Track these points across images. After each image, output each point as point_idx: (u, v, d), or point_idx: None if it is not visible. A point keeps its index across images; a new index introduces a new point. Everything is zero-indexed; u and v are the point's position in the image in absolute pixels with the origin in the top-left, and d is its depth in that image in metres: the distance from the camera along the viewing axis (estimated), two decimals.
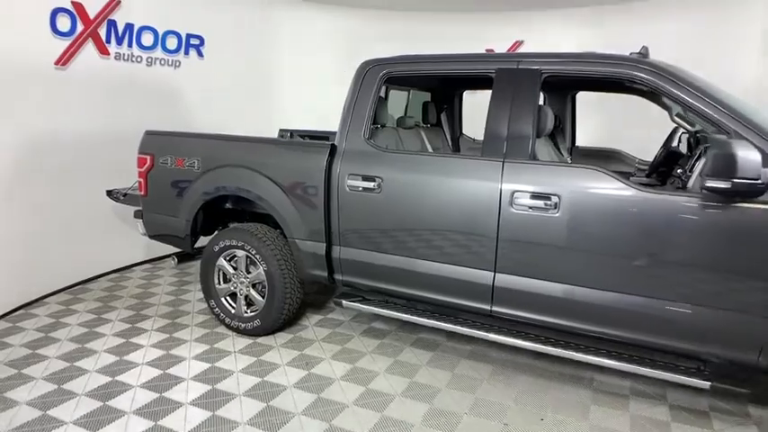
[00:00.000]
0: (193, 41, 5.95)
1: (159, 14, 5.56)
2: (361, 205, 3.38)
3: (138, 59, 5.44)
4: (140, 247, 5.50)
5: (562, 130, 4.54)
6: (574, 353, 3.00)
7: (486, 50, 7.35)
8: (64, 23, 4.74)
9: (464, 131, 5.22)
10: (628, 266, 2.75)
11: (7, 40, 4.22)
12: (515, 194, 2.94)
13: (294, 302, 3.86)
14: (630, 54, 3.07)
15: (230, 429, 2.79)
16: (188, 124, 5.59)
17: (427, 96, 4.77)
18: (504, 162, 3.00)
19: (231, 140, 3.93)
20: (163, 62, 5.67)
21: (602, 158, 4.46)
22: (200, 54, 6.02)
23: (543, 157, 3.41)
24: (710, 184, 2.37)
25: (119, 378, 3.29)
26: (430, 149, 4.39)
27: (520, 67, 3.08)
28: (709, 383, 2.68)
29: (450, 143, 4.85)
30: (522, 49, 7.40)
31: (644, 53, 3.06)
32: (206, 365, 3.46)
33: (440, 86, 4.75)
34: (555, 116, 3.75)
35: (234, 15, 6.31)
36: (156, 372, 3.37)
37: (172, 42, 5.74)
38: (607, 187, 2.77)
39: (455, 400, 3.13)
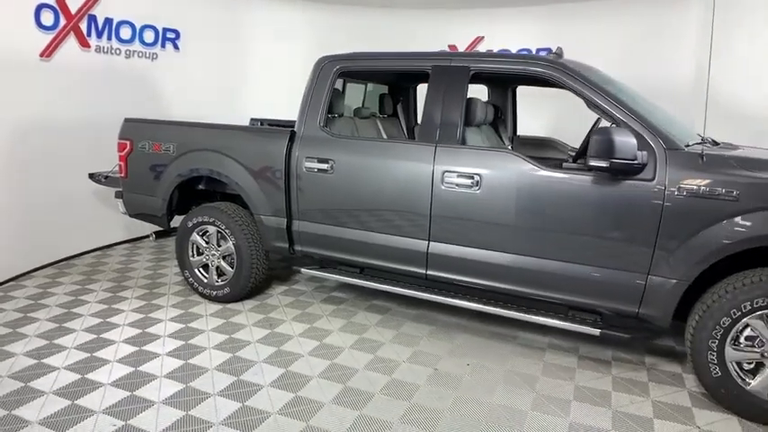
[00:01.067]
0: (169, 35, 6.34)
1: (137, 9, 5.94)
2: (317, 184, 3.86)
3: (117, 52, 5.83)
4: (121, 226, 5.92)
5: (504, 121, 5.05)
6: (493, 308, 3.52)
7: (449, 47, 7.88)
8: (47, 18, 5.11)
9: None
10: (536, 234, 3.28)
11: None
12: (445, 174, 3.44)
13: (260, 272, 4.34)
14: (548, 54, 3.57)
15: (200, 374, 3.27)
16: (165, 113, 6.01)
17: (385, 89, 5.24)
18: (436, 146, 3.51)
19: (203, 127, 4.37)
20: (140, 54, 6.06)
21: (539, 146, 4.98)
22: (176, 47, 6.41)
23: (477, 143, 3.90)
24: (593, 163, 2.91)
25: (103, 336, 3.75)
26: (385, 137, 4.88)
27: (451, 64, 3.58)
28: (599, 331, 3.22)
29: (405, 132, 5.34)
30: (482, 45, 7.90)
31: (558, 53, 3.57)
32: (180, 326, 3.94)
33: (395, 80, 5.23)
34: (496, 108, 4.26)
35: (209, 9, 6.68)
36: (135, 331, 3.84)
37: (149, 36, 6.13)
38: (517, 167, 3.28)
39: (396, 351, 3.64)
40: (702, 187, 2.88)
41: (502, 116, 4.97)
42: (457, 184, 3.42)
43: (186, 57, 6.49)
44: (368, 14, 7.63)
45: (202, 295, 4.45)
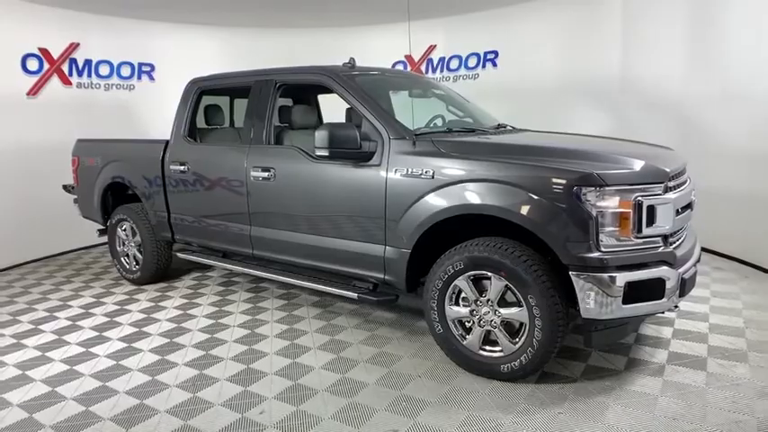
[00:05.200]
0: (145, 68, 7.58)
1: (114, 49, 7.22)
2: (179, 182, 4.74)
3: (97, 86, 7.13)
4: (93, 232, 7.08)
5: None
6: (288, 279, 4.17)
7: (405, 57, 8.48)
8: (33, 64, 6.49)
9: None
10: (311, 214, 3.90)
11: None
12: (253, 168, 4.17)
13: (162, 259, 5.27)
14: (344, 64, 4.19)
15: (119, 331, 4.24)
16: (143, 134, 7.15)
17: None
18: (249, 146, 4.25)
19: (115, 142, 5.43)
20: (118, 87, 7.34)
21: None
22: (151, 78, 7.64)
23: (298, 144, 4.49)
24: (318, 153, 3.52)
25: (69, 303, 4.93)
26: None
27: (264, 78, 4.31)
28: (357, 294, 3.77)
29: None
30: (434, 53, 8.43)
31: (352, 63, 4.18)
32: (117, 298, 4.99)
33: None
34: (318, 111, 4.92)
35: (178, 43, 7.82)
36: (89, 300, 4.99)
37: (126, 71, 7.40)
38: (297, 161, 3.93)
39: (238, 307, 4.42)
40: (409, 169, 3.38)
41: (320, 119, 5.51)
42: (261, 177, 4.13)
43: (161, 85, 7.67)
44: (328, 34, 8.33)
45: (125, 278, 5.49)
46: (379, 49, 8.22)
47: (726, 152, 5.20)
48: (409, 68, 8.58)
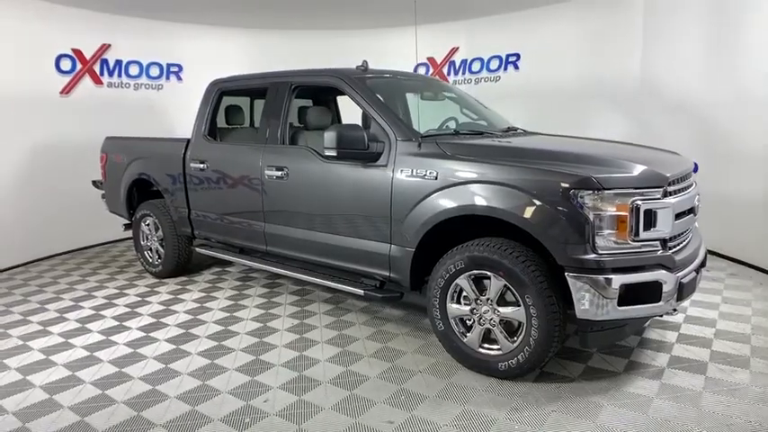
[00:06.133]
0: (173, 69, 7.83)
1: (144, 50, 7.49)
2: (199, 179, 4.92)
3: (127, 86, 7.40)
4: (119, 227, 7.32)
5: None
6: (300, 275, 4.30)
7: (428, 59, 8.56)
8: (66, 65, 6.78)
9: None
10: (323, 212, 4.03)
11: (24, 78, 6.27)
12: (267, 167, 4.32)
13: (183, 253, 5.47)
14: (357, 67, 4.31)
15: (138, 321, 4.46)
16: (169, 132, 7.39)
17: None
18: (264, 146, 4.41)
19: (139, 140, 5.66)
20: (147, 86, 7.60)
21: None
22: (179, 78, 7.89)
23: (305, 144, 4.57)
24: (326, 153, 3.64)
25: (93, 293, 5.16)
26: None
27: (279, 81, 4.45)
28: (363, 291, 3.88)
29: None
30: (456, 55, 8.49)
31: (365, 66, 4.29)
32: (138, 290, 5.22)
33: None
34: (334, 114, 5.04)
35: (206, 44, 8.06)
36: (112, 291, 5.24)
37: (155, 71, 7.66)
38: (309, 161, 4.06)
39: (253, 300, 4.58)
40: (414, 170, 3.48)
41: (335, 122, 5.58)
42: (275, 176, 4.27)
43: (188, 86, 7.90)
44: (351, 36, 8.46)
45: (148, 271, 5.71)
46: (401, 50, 8.31)
47: (748, 156, 5.15)
48: (431, 71, 8.65)
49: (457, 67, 8.49)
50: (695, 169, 6.09)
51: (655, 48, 6.45)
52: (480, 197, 3.16)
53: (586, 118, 7.09)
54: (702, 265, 3.53)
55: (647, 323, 3.93)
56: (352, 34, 8.43)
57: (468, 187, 3.23)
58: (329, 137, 3.57)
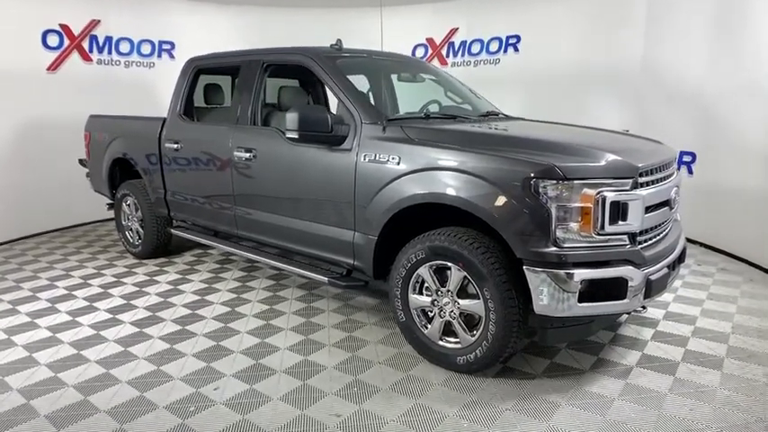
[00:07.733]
0: (165, 46, 7.71)
1: (135, 27, 7.36)
2: (173, 160, 4.83)
3: (117, 63, 7.29)
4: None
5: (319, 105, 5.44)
6: (268, 260, 4.21)
7: (427, 39, 8.35)
8: (53, 40, 6.68)
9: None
10: (290, 198, 3.91)
11: (9, 55, 6.18)
12: (237, 149, 4.20)
13: (161, 234, 5.40)
14: (331, 45, 4.15)
15: (123, 290, 4.42)
16: (161, 111, 7.24)
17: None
18: (235, 126, 4.28)
19: (119, 119, 5.57)
20: (138, 64, 7.49)
21: None
22: (171, 56, 7.76)
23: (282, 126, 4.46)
24: (288, 135, 3.51)
25: (71, 272, 5.12)
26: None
27: (251, 59, 4.31)
28: (327, 279, 3.77)
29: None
30: (456, 36, 8.26)
31: (339, 45, 4.13)
32: (116, 270, 5.19)
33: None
34: (308, 93, 4.89)
35: (199, 21, 7.90)
36: (90, 271, 5.20)
37: (146, 48, 7.54)
38: (277, 143, 3.92)
39: (228, 283, 4.50)
40: (377, 154, 3.34)
41: (311, 102, 5.45)
42: (244, 158, 4.16)
43: (181, 63, 7.71)
44: (347, 13, 8.25)
45: (128, 251, 5.66)
46: (401, 30, 8.11)
47: (750, 149, 4.92)
48: (430, 52, 8.43)
49: (456, 49, 8.25)
50: (693, 160, 5.88)
51: (658, 32, 6.19)
52: (440, 185, 3.03)
53: (586, 103, 6.88)
54: (680, 260, 3.37)
55: (624, 318, 3.79)
56: (351, 12, 8.24)
57: (430, 174, 3.09)
58: (291, 118, 3.44)
